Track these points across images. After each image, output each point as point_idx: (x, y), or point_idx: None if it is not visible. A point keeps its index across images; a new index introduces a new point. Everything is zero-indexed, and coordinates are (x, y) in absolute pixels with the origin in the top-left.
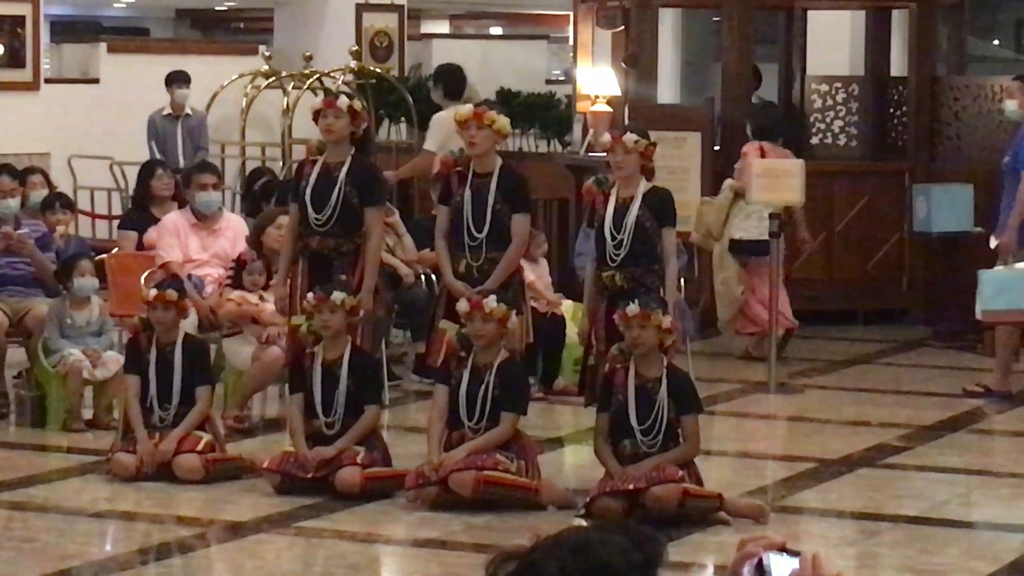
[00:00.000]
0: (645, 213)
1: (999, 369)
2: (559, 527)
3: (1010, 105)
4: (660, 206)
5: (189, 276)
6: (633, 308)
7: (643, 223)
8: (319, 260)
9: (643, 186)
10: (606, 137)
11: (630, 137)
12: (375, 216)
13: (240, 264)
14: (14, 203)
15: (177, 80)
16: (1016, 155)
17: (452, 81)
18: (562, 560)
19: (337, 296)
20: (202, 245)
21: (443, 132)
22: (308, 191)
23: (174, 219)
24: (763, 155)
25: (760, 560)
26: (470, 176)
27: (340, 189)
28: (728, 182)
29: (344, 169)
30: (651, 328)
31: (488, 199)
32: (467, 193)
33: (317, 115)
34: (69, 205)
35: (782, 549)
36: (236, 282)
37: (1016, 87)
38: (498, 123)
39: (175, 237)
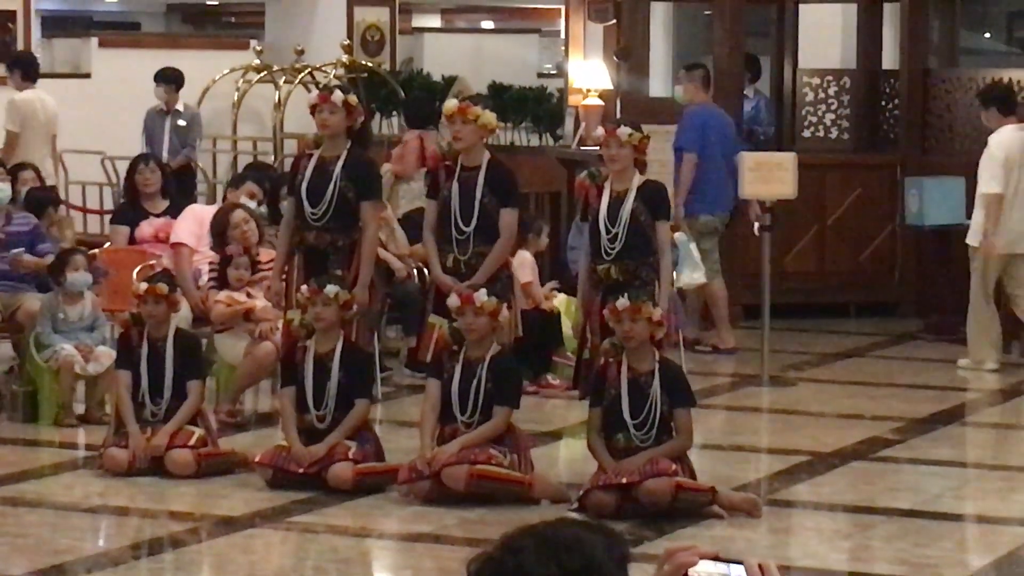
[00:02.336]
0: (640, 206)
1: (721, 328)
2: None
3: (678, 91)
4: (654, 199)
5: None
6: (623, 302)
7: (638, 216)
8: (315, 255)
9: (637, 179)
10: (599, 131)
11: (624, 131)
12: (371, 210)
13: (225, 259)
14: (6, 187)
15: (162, 79)
16: (679, 137)
17: (27, 65)
18: (557, 559)
19: (331, 289)
20: None
21: (20, 112)
22: (304, 186)
23: (202, 210)
24: (422, 144)
25: (686, 572)
26: (458, 170)
27: (336, 183)
28: (386, 166)
29: (340, 163)
30: (642, 321)
31: (476, 193)
32: (455, 187)
33: (313, 110)
34: (56, 203)
35: (715, 558)
36: (221, 280)
37: (684, 76)
38: (483, 118)
39: (197, 225)
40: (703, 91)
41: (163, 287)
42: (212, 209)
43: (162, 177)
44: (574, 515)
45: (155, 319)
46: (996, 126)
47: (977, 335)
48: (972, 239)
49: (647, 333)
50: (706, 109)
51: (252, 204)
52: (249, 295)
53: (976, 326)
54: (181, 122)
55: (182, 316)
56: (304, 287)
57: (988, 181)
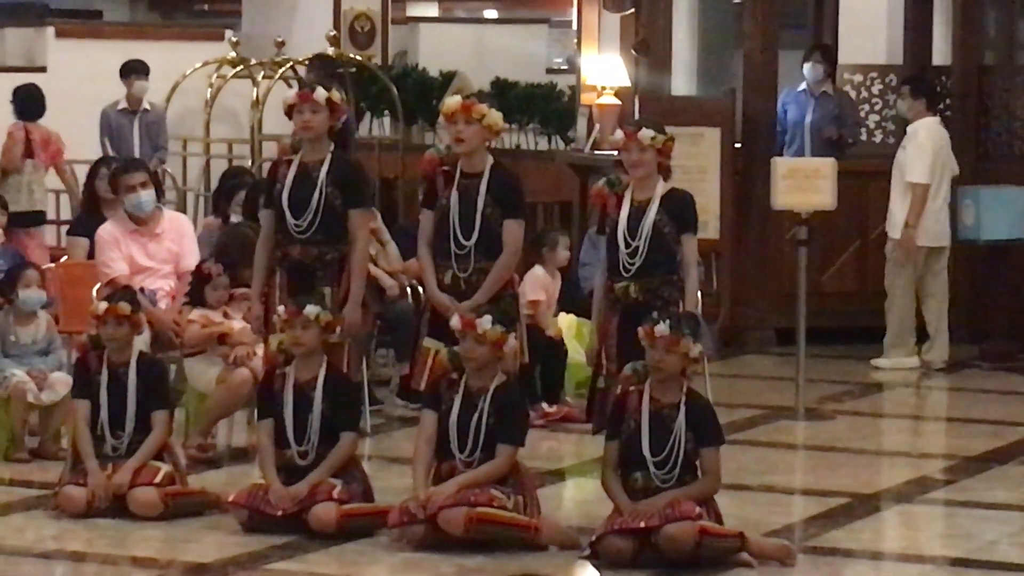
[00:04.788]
0: (663, 218)
1: None
2: (561, 569)
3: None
4: (680, 210)
5: (142, 290)
6: (662, 329)
7: (661, 228)
8: (301, 270)
9: (661, 187)
10: (618, 134)
11: (646, 133)
12: (361, 219)
13: (204, 278)
14: None
15: (135, 71)
16: None
17: None
18: None
19: (311, 310)
20: (145, 252)
21: None
22: (285, 195)
23: (110, 229)
24: (27, 136)
25: None
26: (457, 176)
27: (321, 191)
28: None
29: (324, 168)
30: (677, 355)
31: (477, 202)
32: (454, 196)
33: (291, 110)
34: (3, 205)
35: None
36: (196, 298)
37: None
38: (489, 117)
39: (115, 249)
40: None
41: (125, 307)
42: (121, 221)
43: None
44: (586, 563)
45: (117, 342)
46: (915, 118)
47: (898, 332)
48: (893, 231)
49: (679, 367)
50: None
51: (144, 193)
52: (226, 315)
53: (897, 322)
54: (151, 122)
55: (141, 339)
56: (281, 308)
57: (919, 171)
